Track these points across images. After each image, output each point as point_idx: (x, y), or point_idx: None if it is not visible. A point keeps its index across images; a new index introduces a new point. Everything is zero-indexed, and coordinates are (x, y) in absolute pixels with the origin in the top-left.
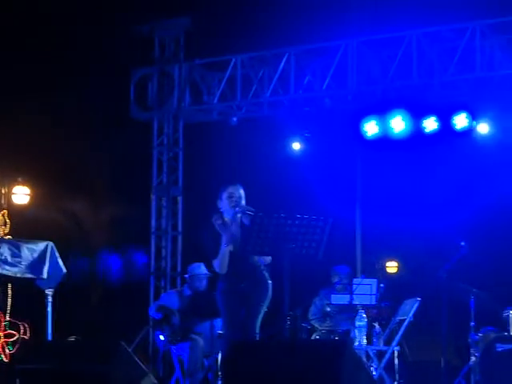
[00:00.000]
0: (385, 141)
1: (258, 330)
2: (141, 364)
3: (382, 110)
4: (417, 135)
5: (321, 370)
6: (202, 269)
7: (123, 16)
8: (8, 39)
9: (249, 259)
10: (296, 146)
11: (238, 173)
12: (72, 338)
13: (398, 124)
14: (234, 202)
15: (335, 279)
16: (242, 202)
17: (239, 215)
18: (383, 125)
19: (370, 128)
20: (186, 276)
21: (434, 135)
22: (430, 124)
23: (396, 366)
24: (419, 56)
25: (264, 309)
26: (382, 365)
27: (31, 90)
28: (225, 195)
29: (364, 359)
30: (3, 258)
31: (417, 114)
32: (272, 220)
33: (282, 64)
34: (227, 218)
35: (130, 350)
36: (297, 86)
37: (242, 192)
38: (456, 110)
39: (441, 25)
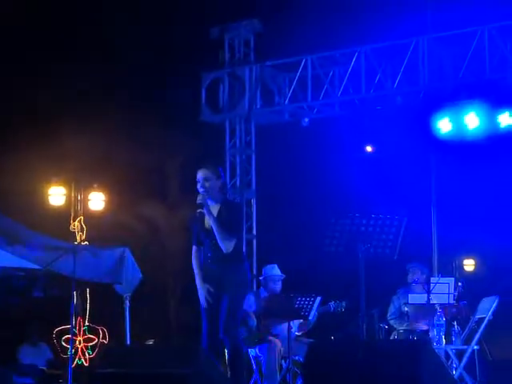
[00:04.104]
0: (459, 137)
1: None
2: (220, 367)
3: (455, 106)
4: (492, 131)
5: (400, 370)
6: (275, 270)
7: (193, 19)
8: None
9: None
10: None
11: (311, 173)
12: (150, 342)
13: (473, 120)
14: (200, 188)
15: (411, 278)
16: (206, 184)
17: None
18: (457, 121)
19: (444, 125)
20: (261, 278)
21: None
22: (505, 119)
23: (476, 366)
24: (491, 50)
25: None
26: (463, 364)
27: (107, 97)
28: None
29: (444, 359)
30: (81, 263)
31: (491, 109)
32: (346, 220)
33: (352, 63)
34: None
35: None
36: (368, 84)
37: (206, 173)
38: None
39: None
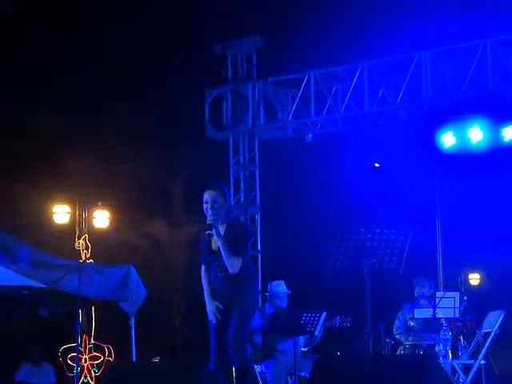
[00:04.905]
0: (463, 151)
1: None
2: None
3: (458, 120)
4: (496, 145)
5: None
6: (281, 287)
7: (195, 36)
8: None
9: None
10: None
11: (315, 189)
12: (156, 359)
13: (476, 134)
14: (207, 209)
15: (418, 292)
16: (215, 206)
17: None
18: (461, 135)
19: (448, 139)
20: (267, 294)
21: None
22: (509, 133)
23: (483, 380)
24: (494, 64)
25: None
26: (469, 379)
27: (109, 118)
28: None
29: (450, 374)
30: (86, 281)
31: (495, 123)
32: (352, 235)
33: (355, 79)
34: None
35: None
36: (371, 100)
37: (213, 195)
38: None
39: None
